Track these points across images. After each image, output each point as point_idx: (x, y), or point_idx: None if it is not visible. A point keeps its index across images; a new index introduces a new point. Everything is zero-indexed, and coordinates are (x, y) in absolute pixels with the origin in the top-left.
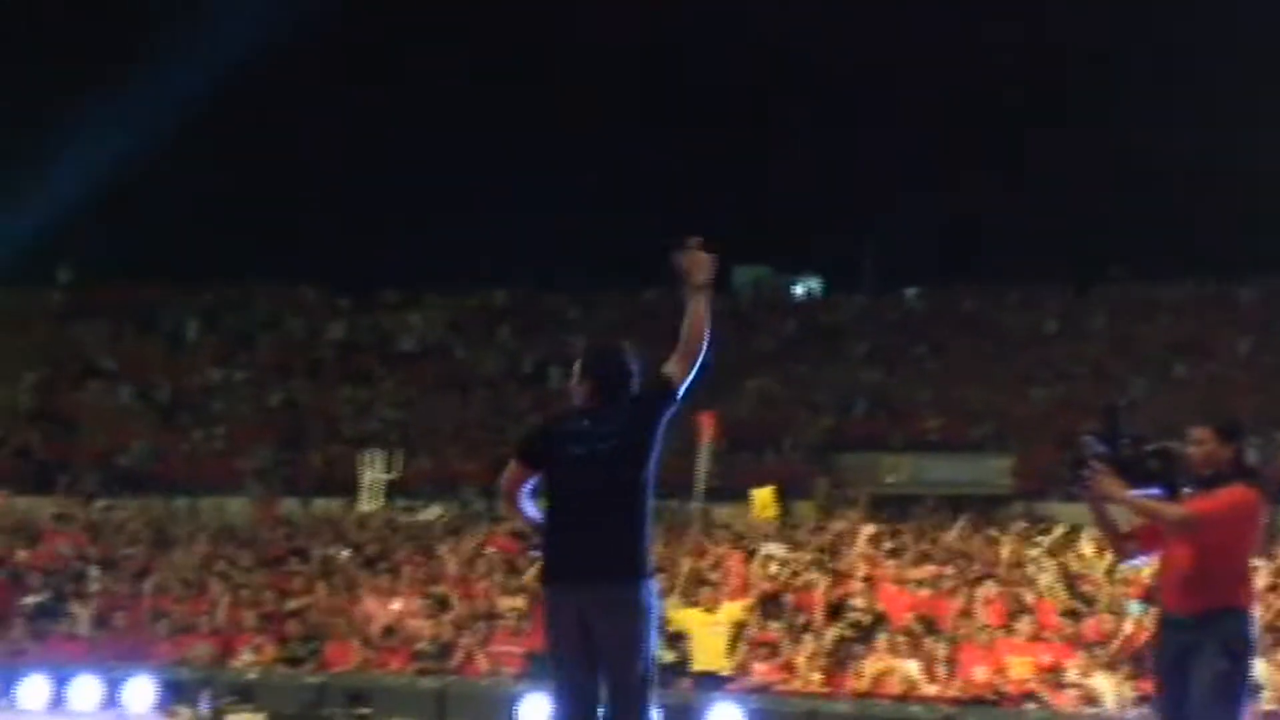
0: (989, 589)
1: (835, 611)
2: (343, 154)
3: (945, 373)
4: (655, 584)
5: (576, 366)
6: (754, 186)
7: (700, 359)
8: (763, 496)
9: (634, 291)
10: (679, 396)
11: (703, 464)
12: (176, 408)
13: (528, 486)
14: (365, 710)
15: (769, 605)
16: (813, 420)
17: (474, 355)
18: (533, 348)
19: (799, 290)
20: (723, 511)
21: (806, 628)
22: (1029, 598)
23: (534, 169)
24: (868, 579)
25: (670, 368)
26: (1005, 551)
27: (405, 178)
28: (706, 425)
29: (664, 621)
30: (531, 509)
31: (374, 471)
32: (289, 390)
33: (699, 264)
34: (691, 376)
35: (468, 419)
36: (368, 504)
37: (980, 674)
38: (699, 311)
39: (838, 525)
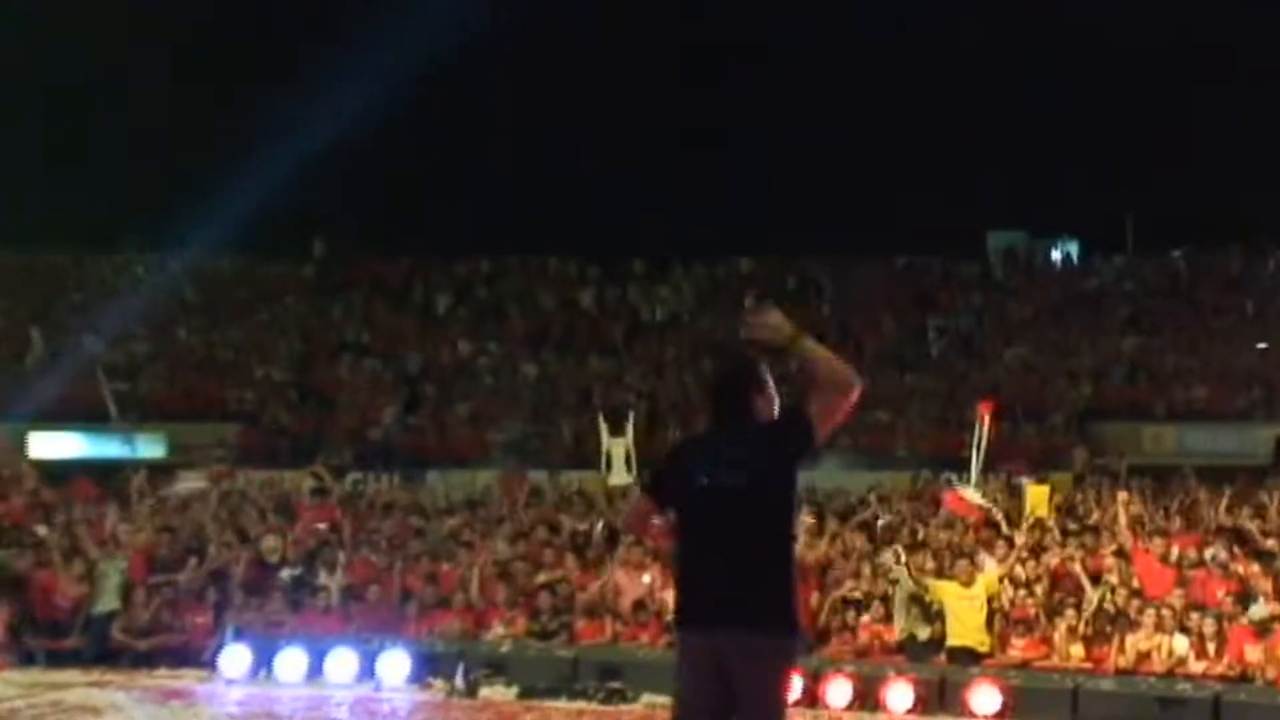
0: (1258, 563)
1: (1094, 586)
2: (593, 125)
3: (1210, 338)
4: (798, 640)
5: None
6: (1007, 150)
7: (847, 408)
8: (1036, 496)
9: (888, 256)
10: (816, 443)
11: (978, 453)
12: (428, 381)
13: (656, 521)
14: (617, 684)
15: (1026, 579)
16: (1071, 389)
17: (722, 325)
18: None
19: (1056, 255)
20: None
21: (1064, 602)
22: None
23: (781, 130)
24: (1126, 553)
25: (813, 412)
26: (1276, 524)
27: (656, 147)
28: (985, 412)
29: (920, 593)
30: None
31: (617, 442)
32: (540, 362)
33: (763, 326)
34: (834, 420)
35: None
36: (617, 478)
37: (1252, 653)
38: (819, 360)
39: (1096, 496)
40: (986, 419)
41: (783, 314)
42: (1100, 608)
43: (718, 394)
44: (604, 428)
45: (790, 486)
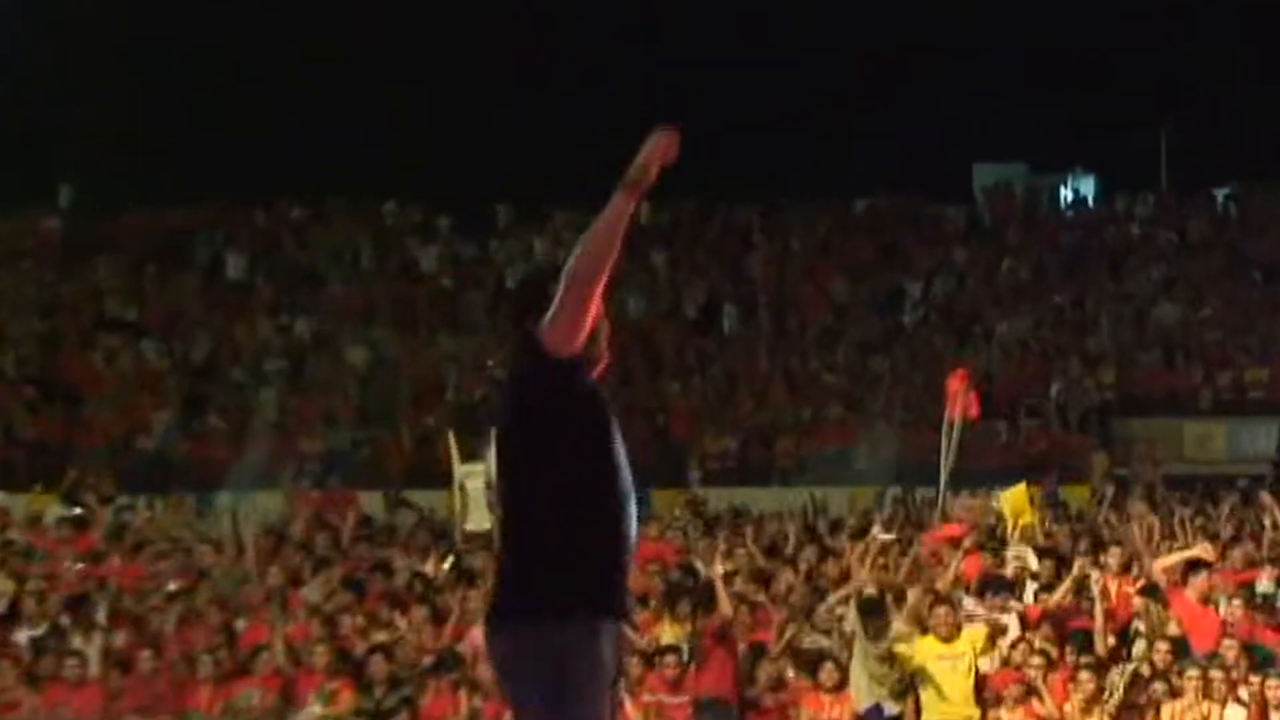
0: None
1: (1120, 637)
2: (439, 35)
3: (1273, 303)
4: (571, 628)
5: None
6: (1000, 57)
7: (581, 284)
8: (1013, 499)
9: (843, 198)
10: (549, 357)
11: (949, 443)
12: (218, 371)
13: None
14: None
15: (1026, 630)
16: (1087, 374)
17: (620, 292)
18: (700, 279)
19: (1065, 194)
20: (961, 503)
21: (1081, 661)
22: None
23: (696, 31)
24: (1159, 590)
25: (548, 315)
26: None
27: (526, 52)
28: (955, 389)
29: (886, 655)
30: None
31: (473, 470)
32: (370, 344)
33: (649, 151)
34: (567, 312)
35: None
36: (476, 521)
37: None
38: (606, 213)
39: (1120, 517)
40: (959, 395)
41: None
42: (1132, 670)
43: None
44: (454, 449)
45: (530, 438)
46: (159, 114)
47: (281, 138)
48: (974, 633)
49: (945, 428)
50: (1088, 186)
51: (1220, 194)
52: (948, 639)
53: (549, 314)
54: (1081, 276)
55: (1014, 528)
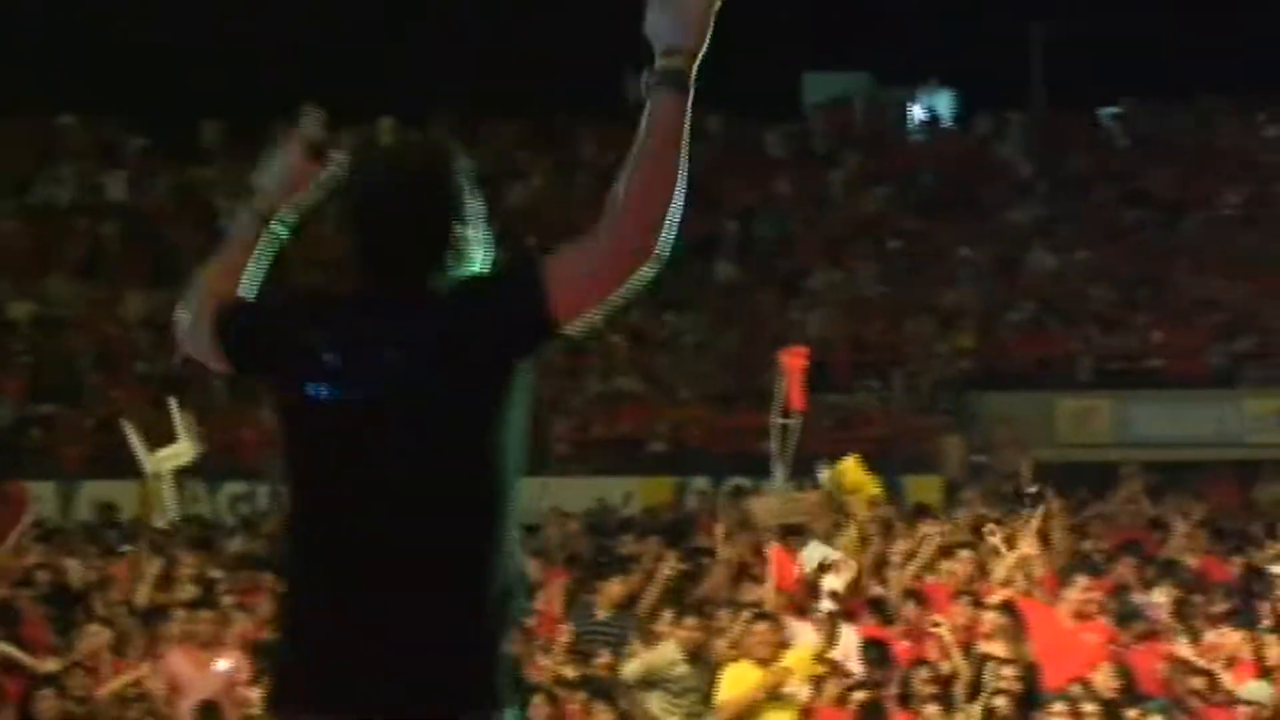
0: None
1: (968, 662)
2: None
3: (1172, 248)
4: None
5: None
6: None
7: (649, 231)
8: (849, 472)
9: (630, 114)
10: (555, 327)
11: (783, 441)
12: None
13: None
14: None
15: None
16: (939, 337)
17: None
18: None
19: (917, 112)
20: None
21: (920, 690)
22: None
23: None
24: (1013, 607)
25: (569, 248)
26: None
27: None
28: (791, 367)
29: (709, 688)
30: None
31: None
32: (35, 298)
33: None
34: (621, 269)
35: None
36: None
37: None
38: (660, 121)
39: (970, 516)
40: (793, 377)
41: None
42: (986, 707)
43: (358, 218)
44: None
45: (501, 410)
46: None
47: None
48: (799, 656)
49: (776, 418)
50: (944, 103)
51: (1106, 114)
52: (766, 662)
53: (576, 251)
54: (935, 212)
55: (849, 497)
